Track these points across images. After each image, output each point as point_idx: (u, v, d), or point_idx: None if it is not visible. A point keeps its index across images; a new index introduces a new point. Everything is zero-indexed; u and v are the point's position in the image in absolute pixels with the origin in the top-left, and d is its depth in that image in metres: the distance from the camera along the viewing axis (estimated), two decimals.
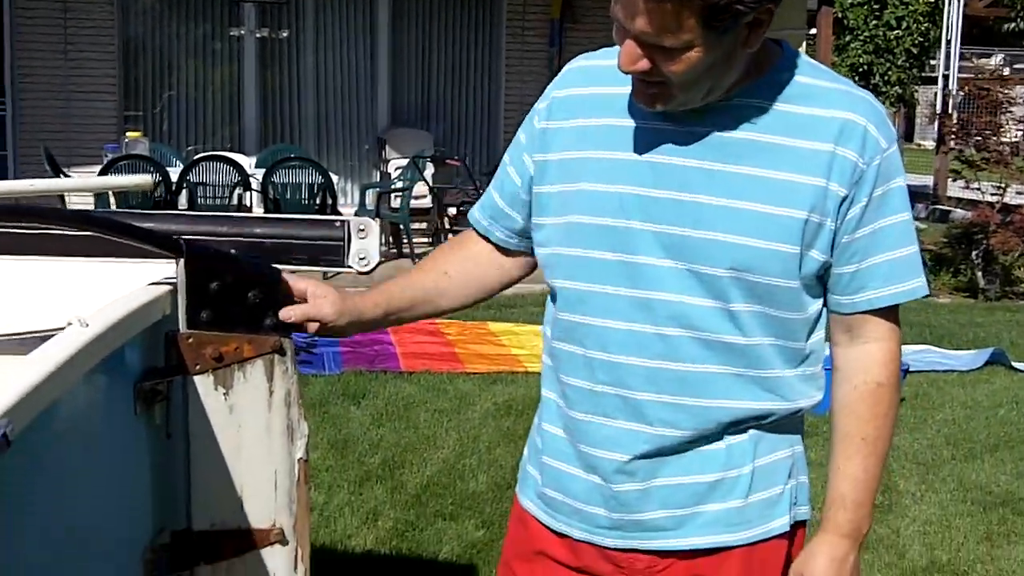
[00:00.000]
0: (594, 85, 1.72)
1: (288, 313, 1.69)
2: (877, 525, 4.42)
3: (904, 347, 1.78)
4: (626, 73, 1.55)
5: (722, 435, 1.66)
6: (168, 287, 1.64)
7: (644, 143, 1.63)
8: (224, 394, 1.65)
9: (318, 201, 9.66)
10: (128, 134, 9.96)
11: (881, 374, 1.66)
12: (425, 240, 10.92)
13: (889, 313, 1.67)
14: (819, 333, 1.69)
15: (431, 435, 5.61)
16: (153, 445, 1.63)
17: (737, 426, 1.66)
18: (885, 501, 4.75)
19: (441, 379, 6.46)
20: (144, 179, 2.40)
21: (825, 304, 1.68)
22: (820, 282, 1.65)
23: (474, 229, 1.90)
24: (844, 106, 1.60)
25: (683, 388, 1.62)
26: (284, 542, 1.69)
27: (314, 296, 1.73)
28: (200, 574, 1.66)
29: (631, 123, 1.65)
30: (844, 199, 1.58)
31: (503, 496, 4.60)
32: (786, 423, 1.70)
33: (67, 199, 7.60)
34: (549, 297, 1.79)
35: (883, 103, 16.80)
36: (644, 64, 1.52)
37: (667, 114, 1.60)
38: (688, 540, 1.68)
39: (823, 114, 1.59)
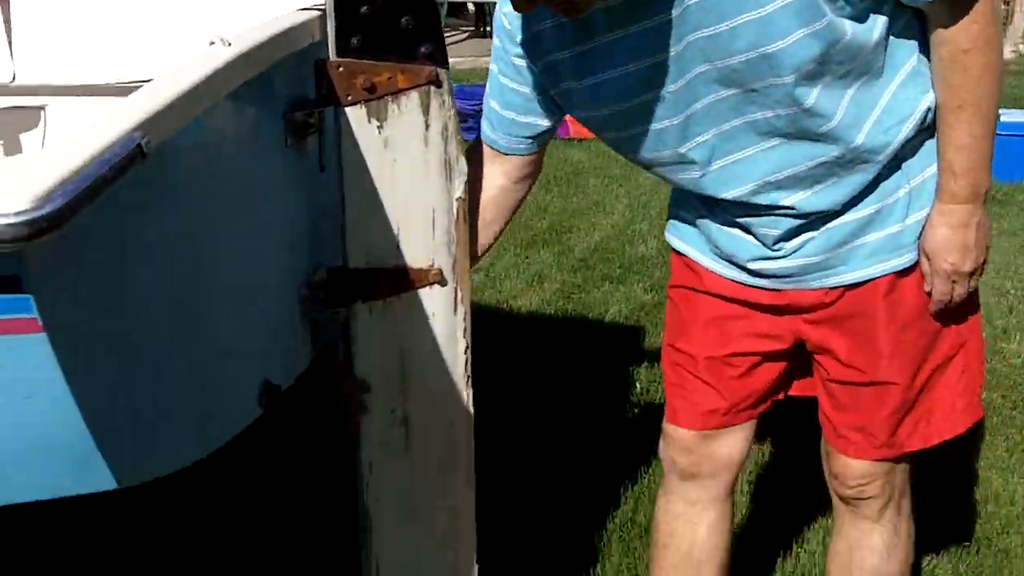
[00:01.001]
0: (532, 25, 1.59)
1: None
2: None
3: None
4: (524, 13, 1.49)
5: (873, 181, 1.61)
6: (317, 12, 1.54)
7: (629, 52, 1.52)
8: (378, 127, 1.56)
9: None
10: None
11: (964, 40, 1.52)
12: None
13: None
14: (894, 33, 1.54)
15: (600, 201, 5.53)
16: (306, 179, 1.57)
17: (881, 170, 1.61)
18: None
19: None
20: None
21: (888, 15, 1.52)
22: None
23: (492, 149, 1.73)
24: None
25: (812, 182, 1.59)
26: (443, 283, 1.64)
27: None
28: (357, 311, 1.62)
29: (596, 43, 1.53)
30: None
31: None
32: (926, 134, 1.61)
33: None
34: None
35: None
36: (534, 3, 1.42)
37: (616, 25, 1.50)
38: (853, 274, 1.67)
39: None
